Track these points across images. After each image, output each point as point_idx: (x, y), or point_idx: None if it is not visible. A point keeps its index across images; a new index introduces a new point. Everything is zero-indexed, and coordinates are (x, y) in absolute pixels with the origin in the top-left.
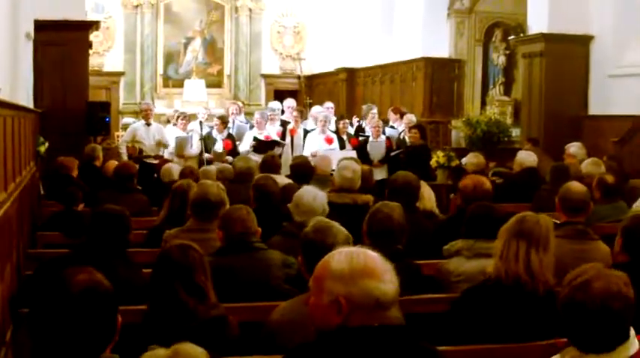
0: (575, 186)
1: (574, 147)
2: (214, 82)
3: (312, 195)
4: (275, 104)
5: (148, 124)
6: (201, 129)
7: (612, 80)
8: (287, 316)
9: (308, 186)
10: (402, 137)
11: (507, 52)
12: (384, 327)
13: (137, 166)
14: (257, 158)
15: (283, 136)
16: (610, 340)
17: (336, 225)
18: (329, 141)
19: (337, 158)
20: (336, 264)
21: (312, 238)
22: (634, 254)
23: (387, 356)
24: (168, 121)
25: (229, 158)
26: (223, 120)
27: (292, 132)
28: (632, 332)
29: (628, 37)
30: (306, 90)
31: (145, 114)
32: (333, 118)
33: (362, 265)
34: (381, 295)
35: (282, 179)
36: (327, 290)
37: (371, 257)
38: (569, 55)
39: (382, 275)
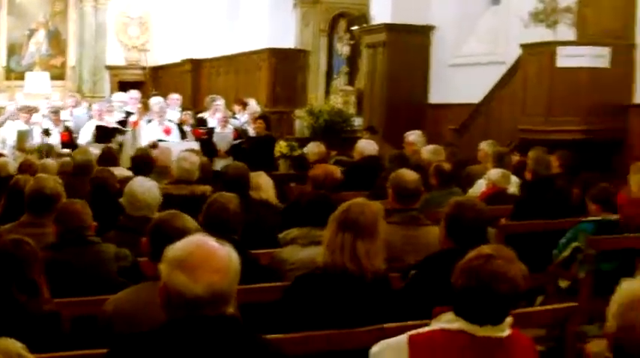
0: (407, 174)
1: (413, 136)
2: (58, 74)
3: (145, 188)
4: (120, 96)
5: None
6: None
7: (452, 69)
8: (121, 306)
9: (139, 177)
10: (244, 127)
11: (351, 42)
12: (212, 318)
13: None
14: (97, 150)
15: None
16: (489, 316)
17: (186, 215)
18: (167, 131)
19: (179, 149)
20: (174, 249)
21: (162, 221)
22: (457, 240)
23: (216, 348)
24: None
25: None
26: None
27: (134, 124)
28: (509, 318)
29: (468, 27)
30: (152, 82)
31: None
32: (179, 110)
33: (183, 257)
34: (188, 292)
35: (121, 171)
36: (161, 272)
37: (207, 251)
38: (411, 45)
39: (200, 273)
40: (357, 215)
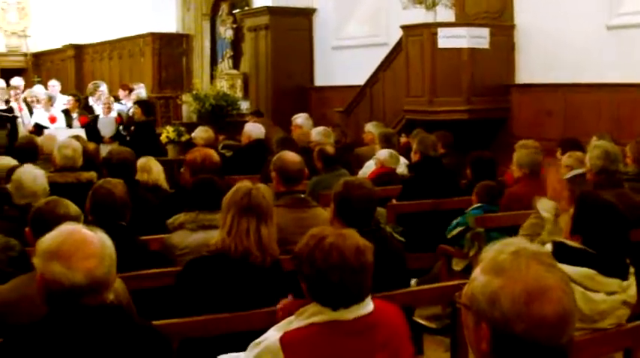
0: (290, 156)
1: (300, 118)
2: None
3: (32, 176)
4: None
5: None
6: None
7: (335, 52)
8: (7, 296)
9: (27, 165)
10: (130, 113)
11: (234, 25)
12: (93, 308)
13: None
14: None
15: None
16: (346, 297)
17: (67, 201)
18: (52, 119)
19: (64, 137)
20: (45, 240)
21: (43, 208)
22: (346, 219)
23: (99, 337)
24: None
25: None
26: None
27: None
28: (369, 297)
29: (349, 10)
30: (34, 69)
31: None
32: (60, 96)
33: (55, 247)
34: (66, 281)
35: (9, 160)
36: (36, 265)
37: (79, 239)
38: (293, 27)
39: (75, 261)
40: (260, 200)
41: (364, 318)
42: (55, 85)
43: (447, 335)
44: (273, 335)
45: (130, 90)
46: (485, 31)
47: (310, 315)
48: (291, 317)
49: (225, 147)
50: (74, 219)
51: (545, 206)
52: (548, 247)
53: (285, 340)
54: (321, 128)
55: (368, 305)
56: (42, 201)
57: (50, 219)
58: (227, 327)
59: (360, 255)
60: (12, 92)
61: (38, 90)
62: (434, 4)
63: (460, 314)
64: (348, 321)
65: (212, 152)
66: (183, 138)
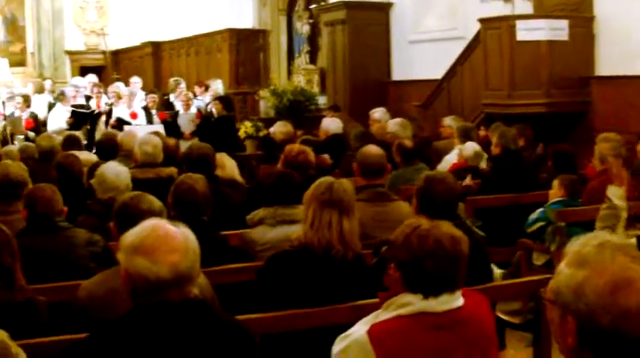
0: (371, 149)
1: (378, 113)
2: (18, 61)
3: (115, 171)
4: (78, 80)
5: None
6: (4, 109)
7: (412, 46)
8: (94, 292)
9: (111, 162)
10: (208, 109)
11: (311, 20)
12: (178, 303)
13: None
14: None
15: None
16: (438, 285)
17: (151, 196)
18: (134, 116)
19: (144, 133)
20: (129, 235)
21: (128, 203)
22: (429, 214)
23: (184, 333)
24: None
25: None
26: (25, 99)
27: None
28: (460, 291)
29: (426, 3)
30: (113, 66)
31: None
32: (141, 93)
33: (139, 242)
34: (151, 275)
35: (89, 156)
36: (120, 260)
37: (163, 233)
38: (370, 22)
39: (159, 255)
40: (342, 193)
41: (454, 312)
42: (137, 81)
43: (528, 331)
44: (360, 329)
45: (206, 87)
46: (564, 23)
47: (397, 307)
48: (378, 311)
49: (303, 143)
50: (157, 214)
51: (615, 193)
52: (633, 241)
53: (372, 332)
54: (398, 119)
55: (458, 300)
56: (126, 196)
57: (134, 214)
58: (309, 322)
59: (456, 243)
60: (95, 89)
61: (120, 86)
62: None
63: (545, 309)
64: (436, 314)
65: (309, 150)
66: (261, 134)
